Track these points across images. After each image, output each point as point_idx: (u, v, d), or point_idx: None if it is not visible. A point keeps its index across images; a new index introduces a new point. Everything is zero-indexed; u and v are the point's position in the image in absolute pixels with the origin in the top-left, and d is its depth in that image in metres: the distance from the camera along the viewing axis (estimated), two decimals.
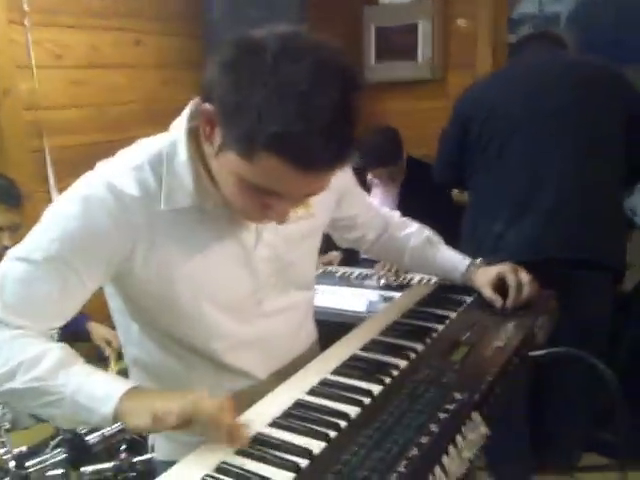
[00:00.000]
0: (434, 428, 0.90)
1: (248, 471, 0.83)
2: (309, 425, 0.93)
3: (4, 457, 1.33)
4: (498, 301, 1.33)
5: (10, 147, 2.40)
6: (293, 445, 0.88)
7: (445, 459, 0.84)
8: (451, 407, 0.95)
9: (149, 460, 1.50)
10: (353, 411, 0.96)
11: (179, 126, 1.02)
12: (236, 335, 1.13)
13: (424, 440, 0.87)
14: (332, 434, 0.90)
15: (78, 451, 1.38)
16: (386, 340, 1.21)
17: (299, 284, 1.22)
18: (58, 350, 0.96)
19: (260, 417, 0.96)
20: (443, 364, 1.09)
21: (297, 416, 0.96)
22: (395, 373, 1.07)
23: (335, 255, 2.84)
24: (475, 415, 0.94)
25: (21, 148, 2.40)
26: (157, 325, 1.11)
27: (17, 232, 1.89)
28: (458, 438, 0.89)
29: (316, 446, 0.87)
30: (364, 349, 1.17)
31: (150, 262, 1.02)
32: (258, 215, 1.00)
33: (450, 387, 1.00)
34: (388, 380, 1.05)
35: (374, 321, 1.32)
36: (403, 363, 1.10)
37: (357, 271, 2.65)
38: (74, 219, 0.96)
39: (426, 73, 3.49)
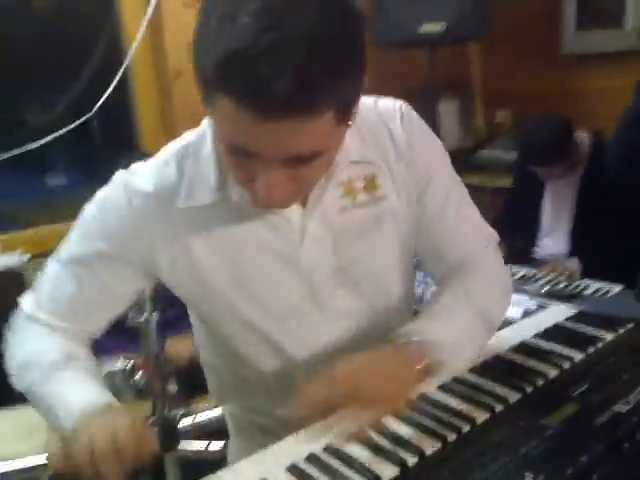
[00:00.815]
0: None
1: None
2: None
3: None
4: None
5: (183, 128, 2.52)
6: None
7: None
8: None
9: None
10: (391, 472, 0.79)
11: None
12: (294, 346, 1.01)
13: None
14: None
15: (168, 434, 1.38)
16: (472, 381, 0.99)
17: (373, 283, 1.02)
18: (58, 351, 0.94)
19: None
20: (532, 426, 0.85)
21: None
22: (465, 428, 0.86)
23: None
24: None
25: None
26: (212, 333, 1.07)
27: None
28: None
29: None
30: (442, 389, 0.97)
31: (178, 265, 0.95)
32: (254, 194, 0.83)
33: (524, 464, 0.77)
34: (452, 437, 0.85)
35: None
36: (481, 416, 0.89)
37: (522, 271, 2.32)
38: (92, 221, 0.96)
39: (635, 42, 2.95)
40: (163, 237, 0.93)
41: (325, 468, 0.81)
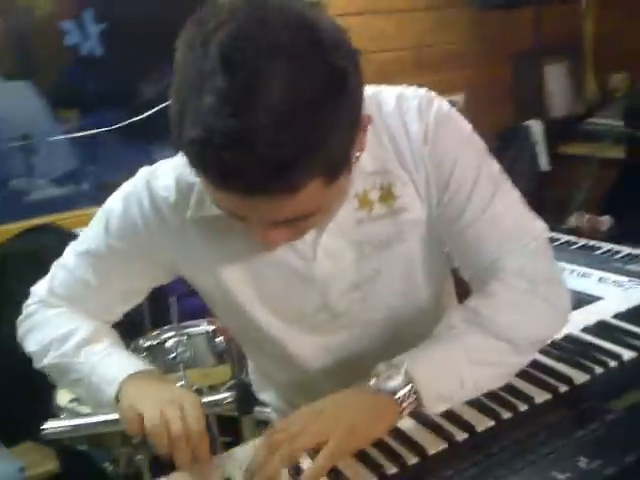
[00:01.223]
0: None
1: None
2: None
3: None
4: None
5: None
6: None
7: None
8: (566, 474, 0.69)
9: None
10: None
11: None
12: (306, 350, 0.98)
13: None
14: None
15: (245, 398, 1.44)
16: (536, 359, 0.92)
17: (394, 294, 0.96)
18: (87, 328, 0.95)
19: None
20: (594, 410, 0.80)
21: None
22: (522, 407, 0.83)
23: (602, 220, 2.24)
24: None
25: None
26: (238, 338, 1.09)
27: None
28: None
29: None
30: None
31: (195, 267, 0.94)
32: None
33: (579, 448, 0.73)
34: (506, 415, 0.82)
35: None
36: (542, 397, 0.85)
37: (626, 250, 2.13)
38: (114, 217, 0.94)
39: None
40: (180, 241, 0.92)
41: None
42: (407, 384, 0.79)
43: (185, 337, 1.51)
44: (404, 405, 0.79)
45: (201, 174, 0.69)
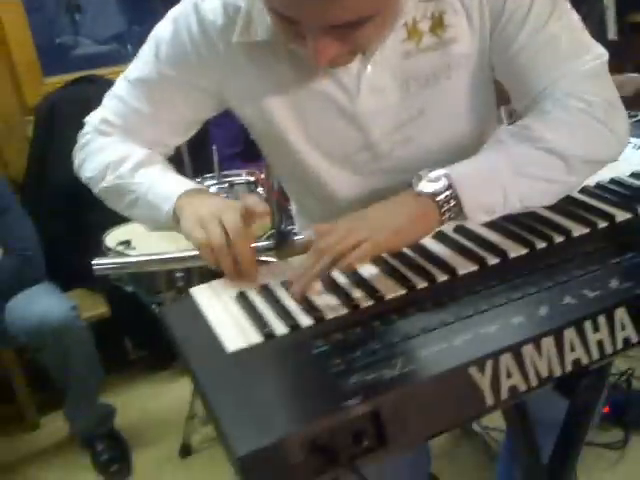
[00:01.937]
0: (569, 299, 0.68)
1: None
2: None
3: None
4: None
5: None
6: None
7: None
8: (596, 292, 0.69)
9: None
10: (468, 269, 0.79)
11: None
12: (348, 189, 0.98)
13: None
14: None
15: (284, 246, 1.48)
16: (580, 198, 0.91)
17: (439, 135, 0.94)
18: (141, 152, 0.97)
19: None
20: (632, 241, 0.79)
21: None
22: (558, 239, 0.82)
23: None
24: (620, 312, 0.67)
25: None
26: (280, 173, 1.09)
27: None
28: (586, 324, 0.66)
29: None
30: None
31: (242, 96, 0.93)
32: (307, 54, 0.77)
33: (613, 272, 0.73)
34: (540, 245, 0.81)
35: None
36: (579, 230, 0.84)
37: None
38: (164, 42, 0.93)
39: None
40: (228, 67, 0.91)
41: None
42: (447, 189, 0.79)
43: (226, 185, 1.53)
44: (445, 209, 0.79)
45: None
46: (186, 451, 2.00)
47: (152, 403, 2.25)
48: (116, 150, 0.97)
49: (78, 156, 1.03)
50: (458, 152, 0.93)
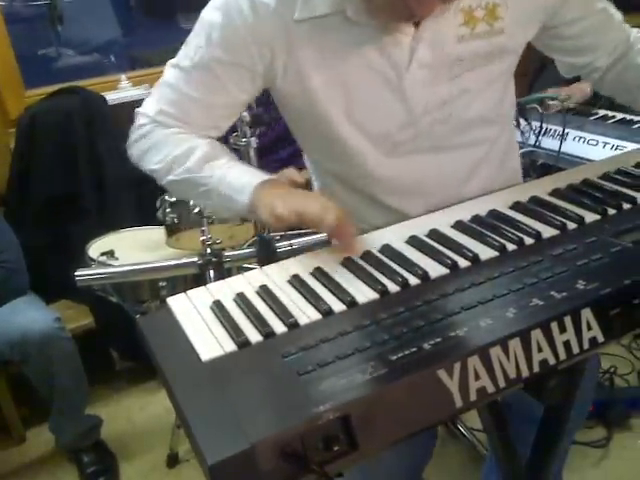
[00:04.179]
0: (536, 301, 0.70)
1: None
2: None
3: (206, 243, 1.51)
4: None
5: None
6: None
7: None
8: (562, 293, 0.71)
9: None
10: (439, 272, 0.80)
11: None
12: (383, 170, 1.01)
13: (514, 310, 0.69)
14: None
15: (267, 253, 1.49)
16: (548, 200, 0.94)
17: (472, 119, 1.01)
18: (205, 145, 0.99)
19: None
20: (600, 243, 0.80)
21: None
22: (528, 241, 0.84)
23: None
24: (587, 313, 0.68)
25: None
26: (315, 156, 1.10)
27: None
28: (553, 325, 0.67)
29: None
30: (514, 207, 0.93)
31: (289, 74, 0.96)
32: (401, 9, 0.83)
33: (580, 273, 0.74)
34: (511, 247, 0.83)
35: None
36: (549, 232, 0.85)
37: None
38: (215, 27, 0.95)
39: None
40: (281, 47, 0.93)
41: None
42: None
43: None
44: None
45: None
46: (173, 461, 1.99)
47: (138, 414, 2.24)
48: (180, 143, 1.00)
49: (137, 147, 1.05)
50: (485, 133, 1.04)
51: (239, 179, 0.94)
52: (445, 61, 0.94)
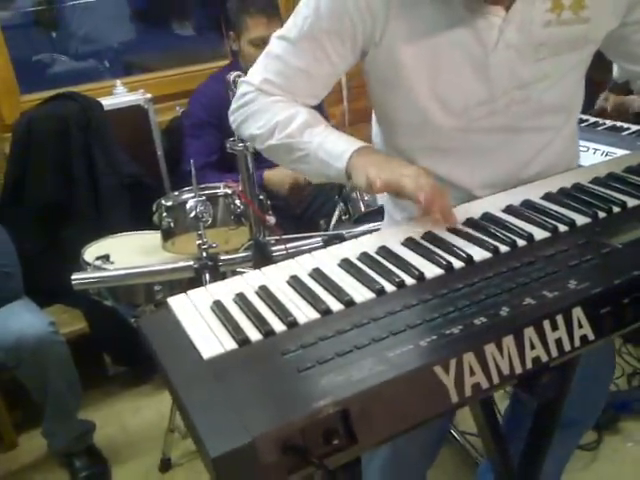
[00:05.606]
0: (529, 300, 0.72)
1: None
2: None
3: (202, 247, 1.53)
4: None
5: None
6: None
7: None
8: (554, 293, 0.73)
9: None
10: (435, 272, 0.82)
11: None
12: (454, 143, 1.06)
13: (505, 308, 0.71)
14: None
15: (262, 257, 1.51)
16: (539, 203, 0.96)
17: (548, 104, 1.05)
18: (305, 112, 1.03)
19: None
20: (591, 244, 0.83)
21: None
22: (520, 243, 0.86)
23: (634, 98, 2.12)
24: (578, 311, 0.71)
25: None
26: (387, 126, 1.13)
27: None
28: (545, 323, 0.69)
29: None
30: (507, 210, 0.95)
31: (382, 44, 1.00)
32: None
33: (571, 273, 0.76)
34: (504, 249, 0.85)
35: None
36: (541, 235, 0.87)
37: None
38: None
39: None
40: (380, 19, 0.97)
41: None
42: None
43: (204, 197, 1.55)
44: None
45: None
46: (166, 466, 1.99)
47: (131, 418, 2.24)
48: (282, 109, 1.04)
49: (240, 113, 1.09)
50: (555, 120, 1.08)
51: (336, 146, 0.98)
52: (530, 44, 0.98)
